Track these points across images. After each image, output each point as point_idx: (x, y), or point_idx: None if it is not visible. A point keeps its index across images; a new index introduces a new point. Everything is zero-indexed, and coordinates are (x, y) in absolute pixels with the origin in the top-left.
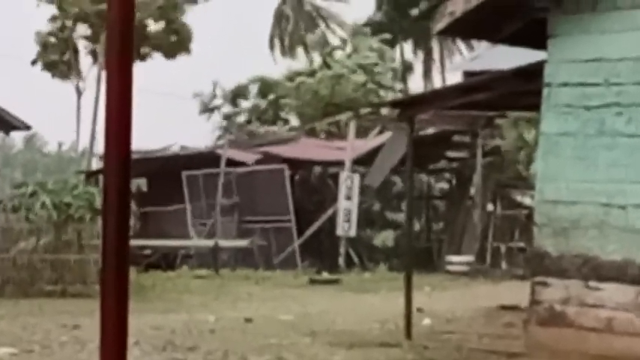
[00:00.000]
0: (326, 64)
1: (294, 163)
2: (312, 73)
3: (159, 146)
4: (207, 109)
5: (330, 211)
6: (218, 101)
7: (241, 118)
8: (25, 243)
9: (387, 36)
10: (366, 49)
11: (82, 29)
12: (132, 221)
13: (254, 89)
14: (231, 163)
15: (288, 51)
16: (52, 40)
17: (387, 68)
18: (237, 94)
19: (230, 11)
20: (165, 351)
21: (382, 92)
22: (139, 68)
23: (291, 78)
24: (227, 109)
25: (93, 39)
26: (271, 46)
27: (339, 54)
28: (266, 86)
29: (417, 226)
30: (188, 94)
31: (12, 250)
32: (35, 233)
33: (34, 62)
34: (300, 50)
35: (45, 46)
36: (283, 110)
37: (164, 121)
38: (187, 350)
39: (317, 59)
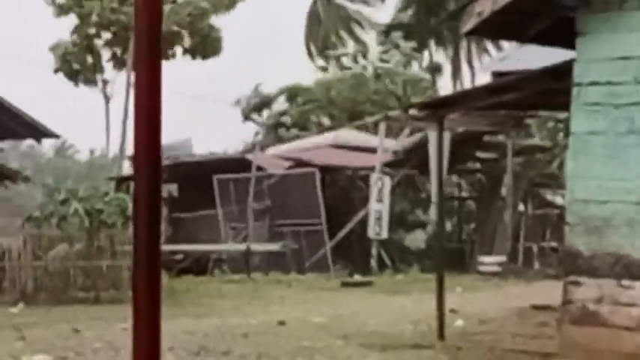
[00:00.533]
0: (348, 66)
1: (325, 168)
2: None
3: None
4: (249, 114)
5: (361, 214)
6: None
7: (272, 123)
8: (57, 250)
9: (413, 44)
10: (395, 56)
11: (105, 35)
12: (163, 226)
13: (282, 98)
14: (262, 169)
15: (320, 54)
16: (74, 49)
17: (414, 76)
18: (265, 103)
19: (261, 13)
20: (198, 356)
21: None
22: (167, 70)
23: (320, 83)
24: (260, 115)
25: (116, 44)
26: (308, 50)
27: (365, 58)
28: (295, 93)
29: (448, 227)
30: (217, 97)
31: (45, 258)
32: (67, 240)
33: (56, 71)
34: (332, 52)
35: (66, 56)
36: (313, 114)
37: (194, 125)
38: (221, 354)
39: (347, 63)
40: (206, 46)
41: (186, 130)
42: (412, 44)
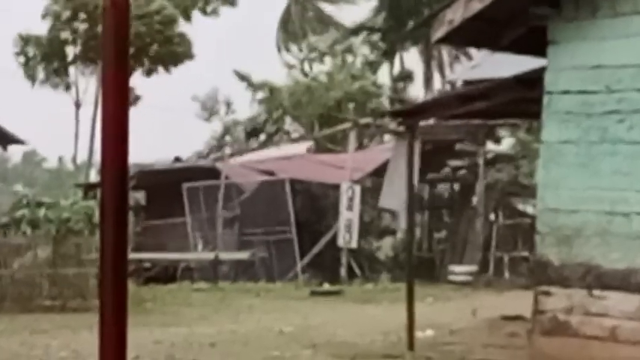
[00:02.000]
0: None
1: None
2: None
3: (155, 159)
4: (208, 113)
5: (335, 227)
6: (220, 107)
7: (240, 130)
8: (23, 258)
9: (382, 45)
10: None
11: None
12: (130, 234)
13: (255, 95)
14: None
15: (290, 51)
16: (43, 48)
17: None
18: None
19: (233, 19)
20: None
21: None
22: (143, 83)
23: (289, 86)
24: (226, 118)
25: (91, 51)
26: (279, 50)
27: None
28: (269, 91)
29: (418, 235)
30: (188, 107)
31: (10, 265)
32: (34, 248)
33: (17, 55)
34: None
35: (30, 54)
36: (283, 120)
37: (165, 135)
38: None
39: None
40: (176, 54)
41: (157, 140)
42: (374, 54)
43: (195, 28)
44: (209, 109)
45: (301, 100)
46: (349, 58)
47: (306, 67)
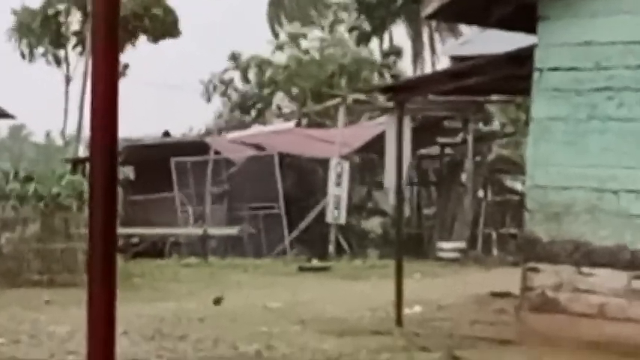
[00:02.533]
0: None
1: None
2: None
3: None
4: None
5: (323, 202)
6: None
7: (232, 105)
8: (11, 232)
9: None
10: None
11: (75, 15)
12: (119, 209)
13: (250, 71)
14: (219, 154)
15: (282, 29)
16: (33, 19)
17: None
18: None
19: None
20: (154, 340)
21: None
22: (128, 57)
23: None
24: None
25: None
26: (272, 28)
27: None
28: (262, 66)
29: (407, 212)
30: (178, 82)
31: None
32: (22, 223)
33: (11, 37)
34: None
35: (24, 25)
36: (275, 94)
37: (153, 110)
38: (177, 339)
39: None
40: (163, 29)
41: (155, 118)
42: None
43: (187, 8)
44: (207, 88)
45: (294, 74)
46: (340, 29)
47: (299, 41)
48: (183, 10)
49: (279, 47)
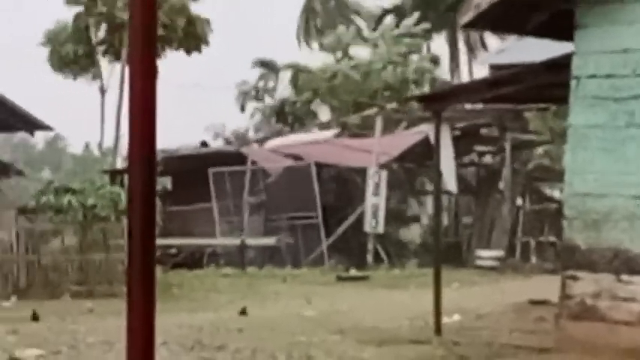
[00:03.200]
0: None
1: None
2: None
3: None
4: (245, 103)
5: (359, 209)
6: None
7: (269, 112)
8: (51, 244)
9: (426, 26)
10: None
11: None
12: (157, 220)
13: (285, 78)
14: (256, 164)
15: (316, 41)
16: (69, 36)
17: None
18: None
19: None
20: (193, 350)
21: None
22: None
23: (324, 70)
24: (256, 100)
25: (112, 37)
26: (299, 38)
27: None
28: (299, 74)
29: (445, 221)
30: (213, 88)
31: (38, 251)
32: (61, 234)
33: (49, 59)
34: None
35: (58, 45)
36: (313, 102)
37: (184, 115)
38: (215, 349)
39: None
40: (190, 39)
41: (190, 123)
42: (424, 27)
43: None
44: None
45: (338, 87)
46: (384, 46)
47: (339, 54)
48: (214, 15)
49: (330, 51)
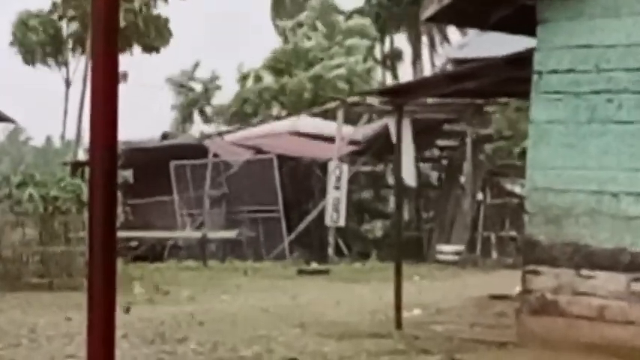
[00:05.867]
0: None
1: (284, 156)
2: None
3: (140, 137)
4: (182, 88)
5: (321, 205)
6: (196, 86)
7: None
8: (11, 236)
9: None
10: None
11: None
12: (119, 213)
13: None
14: (218, 156)
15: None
16: (35, 22)
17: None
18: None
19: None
20: (153, 343)
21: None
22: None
23: (277, 70)
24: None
25: (82, 29)
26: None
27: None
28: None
29: (406, 216)
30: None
31: None
32: (21, 226)
33: (11, 44)
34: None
35: (26, 28)
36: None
37: (145, 112)
38: (176, 342)
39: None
40: (155, 37)
41: (139, 118)
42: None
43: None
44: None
45: (278, 94)
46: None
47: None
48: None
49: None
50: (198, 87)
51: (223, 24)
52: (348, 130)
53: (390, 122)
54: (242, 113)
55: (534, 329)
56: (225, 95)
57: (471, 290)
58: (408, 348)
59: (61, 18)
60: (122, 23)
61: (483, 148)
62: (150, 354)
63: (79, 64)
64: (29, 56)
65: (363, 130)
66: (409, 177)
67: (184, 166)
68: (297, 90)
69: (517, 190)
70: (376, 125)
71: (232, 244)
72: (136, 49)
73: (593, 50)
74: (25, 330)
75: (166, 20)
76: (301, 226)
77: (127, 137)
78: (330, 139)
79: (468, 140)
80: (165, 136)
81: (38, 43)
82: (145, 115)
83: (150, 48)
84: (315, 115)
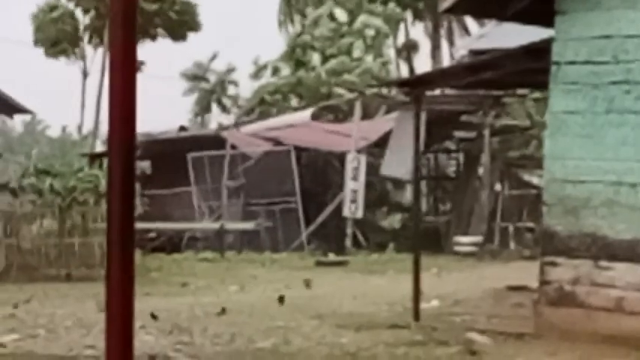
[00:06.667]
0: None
1: (301, 147)
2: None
3: (162, 129)
4: (196, 78)
5: (340, 196)
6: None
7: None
8: (29, 227)
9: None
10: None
11: (89, 11)
12: (136, 204)
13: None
14: (236, 148)
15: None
16: (53, 15)
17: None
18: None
19: None
20: (171, 334)
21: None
22: (146, 51)
23: (296, 61)
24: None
25: (98, 20)
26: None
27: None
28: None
29: (424, 207)
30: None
31: (16, 235)
32: (40, 217)
33: (36, 43)
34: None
35: (43, 25)
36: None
37: (168, 104)
38: (194, 333)
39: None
40: (182, 25)
41: (162, 110)
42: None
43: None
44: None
45: (295, 87)
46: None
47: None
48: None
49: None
50: (212, 78)
51: (240, 16)
52: (367, 130)
53: (403, 114)
54: (261, 105)
55: (552, 320)
56: (242, 87)
57: (488, 281)
58: (425, 339)
59: (77, 8)
60: (153, 7)
61: (501, 139)
62: (167, 345)
63: (96, 55)
64: (47, 47)
65: (380, 127)
66: (401, 170)
67: (202, 157)
68: (314, 85)
69: (535, 181)
70: (391, 122)
71: (250, 236)
72: (162, 36)
73: (611, 41)
74: (43, 320)
75: (195, 6)
76: (319, 219)
77: (145, 129)
78: (347, 135)
79: (486, 132)
80: (182, 129)
81: (57, 34)
82: (163, 105)
83: (177, 35)
84: (329, 109)
